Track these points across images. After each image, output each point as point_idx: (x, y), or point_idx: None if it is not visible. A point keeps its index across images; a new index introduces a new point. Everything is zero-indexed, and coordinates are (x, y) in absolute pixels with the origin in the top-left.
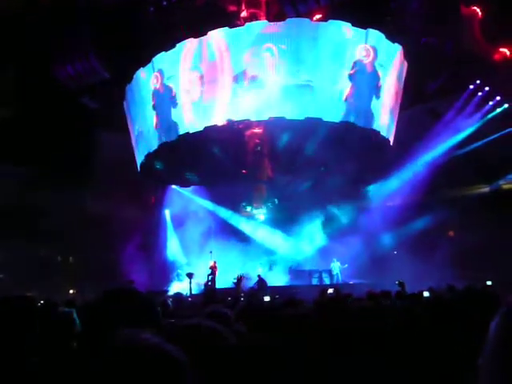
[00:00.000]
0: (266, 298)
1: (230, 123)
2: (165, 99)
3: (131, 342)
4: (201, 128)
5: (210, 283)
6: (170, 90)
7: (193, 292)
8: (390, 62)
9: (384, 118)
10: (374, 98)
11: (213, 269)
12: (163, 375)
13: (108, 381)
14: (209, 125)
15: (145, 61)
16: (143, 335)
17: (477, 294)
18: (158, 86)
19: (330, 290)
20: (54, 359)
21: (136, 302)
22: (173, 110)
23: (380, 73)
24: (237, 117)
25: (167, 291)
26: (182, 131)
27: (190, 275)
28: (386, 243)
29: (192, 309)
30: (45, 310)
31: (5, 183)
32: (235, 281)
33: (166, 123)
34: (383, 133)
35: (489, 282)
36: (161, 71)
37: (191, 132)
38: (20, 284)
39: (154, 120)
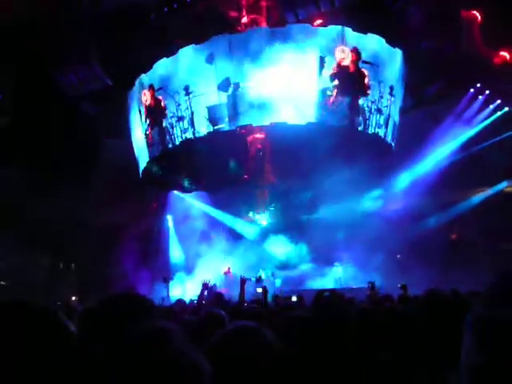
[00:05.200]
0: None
1: (232, 129)
2: (157, 112)
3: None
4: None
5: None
6: (159, 102)
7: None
8: (379, 60)
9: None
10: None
11: (226, 274)
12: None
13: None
14: (211, 131)
15: (146, 67)
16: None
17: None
18: (150, 102)
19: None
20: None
21: (137, 306)
22: (164, 121)
23: (366, 71)
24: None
25: (166, 297)
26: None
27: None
28: (389, 247)
29: (194, 313)
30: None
31: (6, 190)
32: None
33: (160, 132)
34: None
35: None
36: (151, 86)
37: (194, 138)
38: (22, 291)
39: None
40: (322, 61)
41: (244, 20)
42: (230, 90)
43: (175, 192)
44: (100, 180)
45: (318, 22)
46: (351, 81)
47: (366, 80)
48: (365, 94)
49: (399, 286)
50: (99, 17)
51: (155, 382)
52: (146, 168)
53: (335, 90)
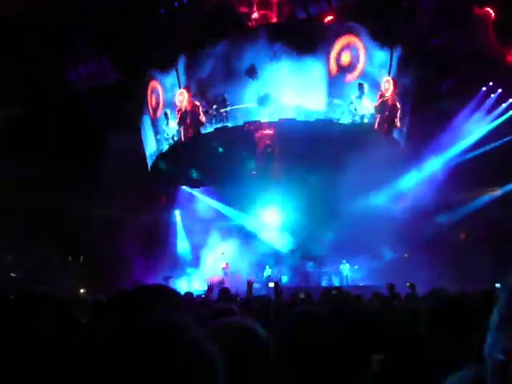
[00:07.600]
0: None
1: (242, 125)
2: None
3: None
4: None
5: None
6: (197, 108)
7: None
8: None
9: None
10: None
11: (225, 270)
12: (196, 373)
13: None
14: (219, 126)
15: (156, 62)
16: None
17: (486, 298)
18: (185, 105)
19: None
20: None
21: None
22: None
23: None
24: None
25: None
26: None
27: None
28: (397, 245)
29: (203, 307)
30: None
31: (16, 183)
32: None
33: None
34: (395, 135)
35: (497, 285)
36: (188, 88)
37: (202, 133)
38: (31, 283)
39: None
40: (361, 87)
41: (254, 16)
42: (271, 105)
43: (183, 187)
44: (109, 174)
45: (329, 18)
46: (390, 112)
47: (399, 112)
48: (395, 127)
49: (408, 284)
50: (110, 10)
51: (165, 372)
52: (154, 162)
53: (378, 119)
